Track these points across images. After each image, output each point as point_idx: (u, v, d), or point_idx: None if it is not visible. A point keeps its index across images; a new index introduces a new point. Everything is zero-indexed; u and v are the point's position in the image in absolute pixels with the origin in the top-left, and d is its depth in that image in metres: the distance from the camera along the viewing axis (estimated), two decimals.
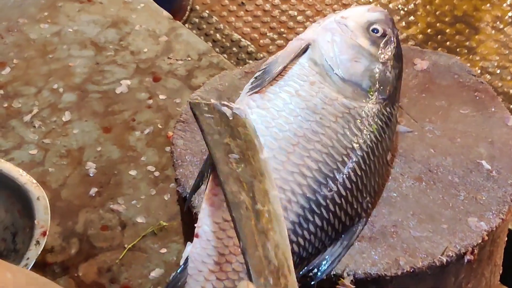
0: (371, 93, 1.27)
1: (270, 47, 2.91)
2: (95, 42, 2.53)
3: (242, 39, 2.96)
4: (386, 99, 1.28)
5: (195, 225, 1.17)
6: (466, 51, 2.86)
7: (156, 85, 2.34)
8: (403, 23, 3.01)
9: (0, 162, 1.78)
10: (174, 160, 1.40)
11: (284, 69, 1.25)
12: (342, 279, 1.18)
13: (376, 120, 1.25)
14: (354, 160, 1.21)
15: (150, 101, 2.27)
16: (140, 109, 2.25)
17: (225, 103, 1.11)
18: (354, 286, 1.18)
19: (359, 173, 1.21)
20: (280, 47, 2.77)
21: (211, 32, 3.11)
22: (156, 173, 2.04)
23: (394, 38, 1.33)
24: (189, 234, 1.49)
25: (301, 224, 1.17)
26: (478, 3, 3.07)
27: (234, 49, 3.02)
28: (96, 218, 1.92)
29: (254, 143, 1.12)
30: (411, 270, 1.19)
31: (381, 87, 1.28)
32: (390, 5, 3.18)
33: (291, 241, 1.14)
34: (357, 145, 1.21)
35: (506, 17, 2.98)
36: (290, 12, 3.18)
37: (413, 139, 1.40)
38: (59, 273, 1.79)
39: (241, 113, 1.10)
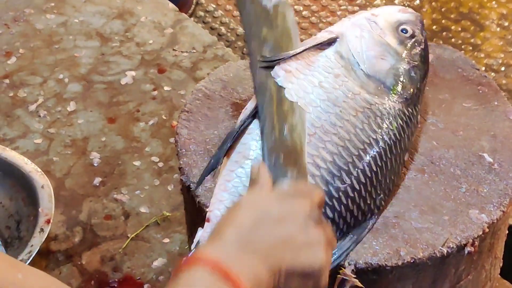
0: (394, 91, 1.26)
1: None
2: (100, 33, 2.54)
3: None
4: (409, 99, 1.27)
5: (206, 209, 1.19)
6: (471, 48, 2.87)
7: (161, 76, 2.35)
8: None
9: (5, 150, 1.79)
10: (178, 149, 1.41)
11: (308, 49, 1.25)
12: (343, 268, 1.19)
13: (396, 118, 1.24)
14: (370, 155, 1.20)
15: (155, 93, 2.28)
16: (144, 100, 2.26)
17: None
18: (355, 276, 1.18)
19: (375, 169, 1.20)
20: None
21: (217, 25, 3.11)
22: (160, 164, 2.04)
23: (422, 40, 1.33)
24: (192, 224, 1.50)
25: None
26: (483, 1, 3.07)
27: (239, 43, 3.02)
28: (100, 208, 1.93)
29: (290, 35, 1.23)
30: (412, 261, 1.19)
31: (405, 87, 1.28)
32: (396, 1, 3.18)
33: None
34: (375, 141, 1.21)
35: (511, 15, 2.98)
36: (296, 7, 3.18)
37: (416, 131, 1.40)
38: (63, 261, 1.80)
39: (282, 3, 1.22)
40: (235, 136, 1.20)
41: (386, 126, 1.23)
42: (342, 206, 1.18)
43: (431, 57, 1.55)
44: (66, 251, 1.83)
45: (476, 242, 1.23)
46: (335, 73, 1.25)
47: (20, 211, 1.76)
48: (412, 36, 1.32)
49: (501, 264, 1.45)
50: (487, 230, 1.24)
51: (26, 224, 1.72)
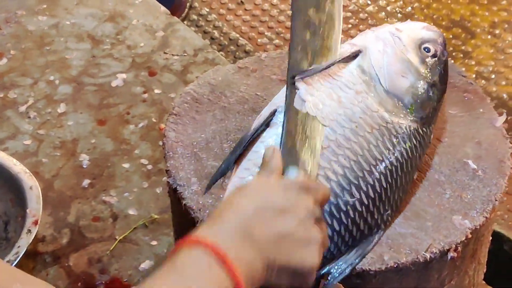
0: (411, 110, 1.26)
1: (268, 46, 2.93)
2: (92, 35, 2.55)
3: (240, 38, 2.97)
4: (424, 118, 1.28)
5: (193, 212, 1.19)
6: (461, 55, 2.88)
7: (152, 79, 2.36)
8: None
9: None
10: (166, 152, 1.41)
11: (333, 65, 1.24)
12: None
13: (411, 137, 1.24)
14: (381, 171, 1.20)
15: (145, 95, 2.29)
16: (135, 103, 2.26)
17: None
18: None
19: (385, 185, 1.21)
20: (278, 47, 2.78)
21: (210, 29, 3.12)
22: (149, 166, 2.05)
23: (444, 60, 1.33)
24: (178, 226, 1.50)
25: None
26: (475, 8, 3.08)
27: (232, 47, 3.03)
28: (88, 209, 1.94)
29: (335, 21, 1.23)
30: (395, 266, 1.20)
31: (422, 106, 1.27)
32: (388, 8, 3.20)
33: None
34: (387, 158, 1.21)
35: (503, 23, 3.00)
36: (289, 12, 3.19)
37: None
38: (50, 263, 1.80)
39: None
40: (248, 143, 1.20)
41: (400, 145, 1.23)
42: (349, 219, 1.18)
43: None
44: (54, 252, 1.83)
45: (459, 247, 1.24)
46: (356, 89, 1.24)
47: (8, 212, 1.76)
48: (434, 55, 1.31)
49: (484, 270, 1.46)
50: (470, 236, 1.25)
51: (14, 225, 1.72)
